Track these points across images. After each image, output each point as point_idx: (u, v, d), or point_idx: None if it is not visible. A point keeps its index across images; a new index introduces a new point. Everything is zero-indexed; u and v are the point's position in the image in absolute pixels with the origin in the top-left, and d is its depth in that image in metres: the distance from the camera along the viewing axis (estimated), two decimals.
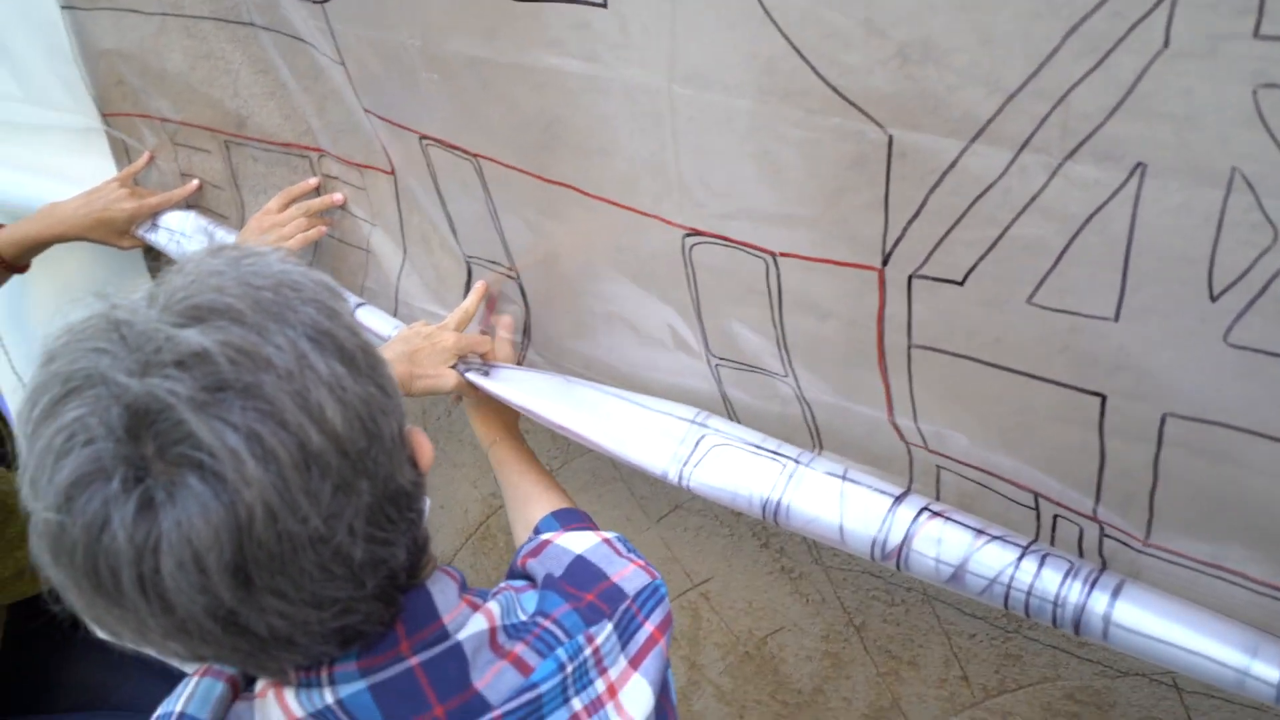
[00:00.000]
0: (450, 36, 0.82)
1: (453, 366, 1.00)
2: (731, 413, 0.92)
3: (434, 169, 0.98)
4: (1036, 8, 0.52)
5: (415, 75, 0.88)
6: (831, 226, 0.68)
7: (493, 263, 1.03)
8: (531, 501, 0.91)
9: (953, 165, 0.59)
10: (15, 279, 1.36)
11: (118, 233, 1.31)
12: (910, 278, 0.66)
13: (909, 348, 0.70)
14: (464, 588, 0.59)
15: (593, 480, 1.17)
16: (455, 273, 1.10)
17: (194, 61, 1.18)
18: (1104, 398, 0.62)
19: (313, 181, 1.19)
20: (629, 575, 0.63)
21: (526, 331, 1.06)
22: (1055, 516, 0.72)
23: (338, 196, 1.18)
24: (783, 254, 0.72)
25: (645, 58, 0.70)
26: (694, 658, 1.20)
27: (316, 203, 1.18)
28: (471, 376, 1.01)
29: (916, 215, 0.63)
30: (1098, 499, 0.66)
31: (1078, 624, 0.71)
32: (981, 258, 0.62)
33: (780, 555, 1.02)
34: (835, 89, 0.61)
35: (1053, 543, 0.73)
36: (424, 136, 0.95)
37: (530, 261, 0.99)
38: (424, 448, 0.56)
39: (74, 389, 0.46)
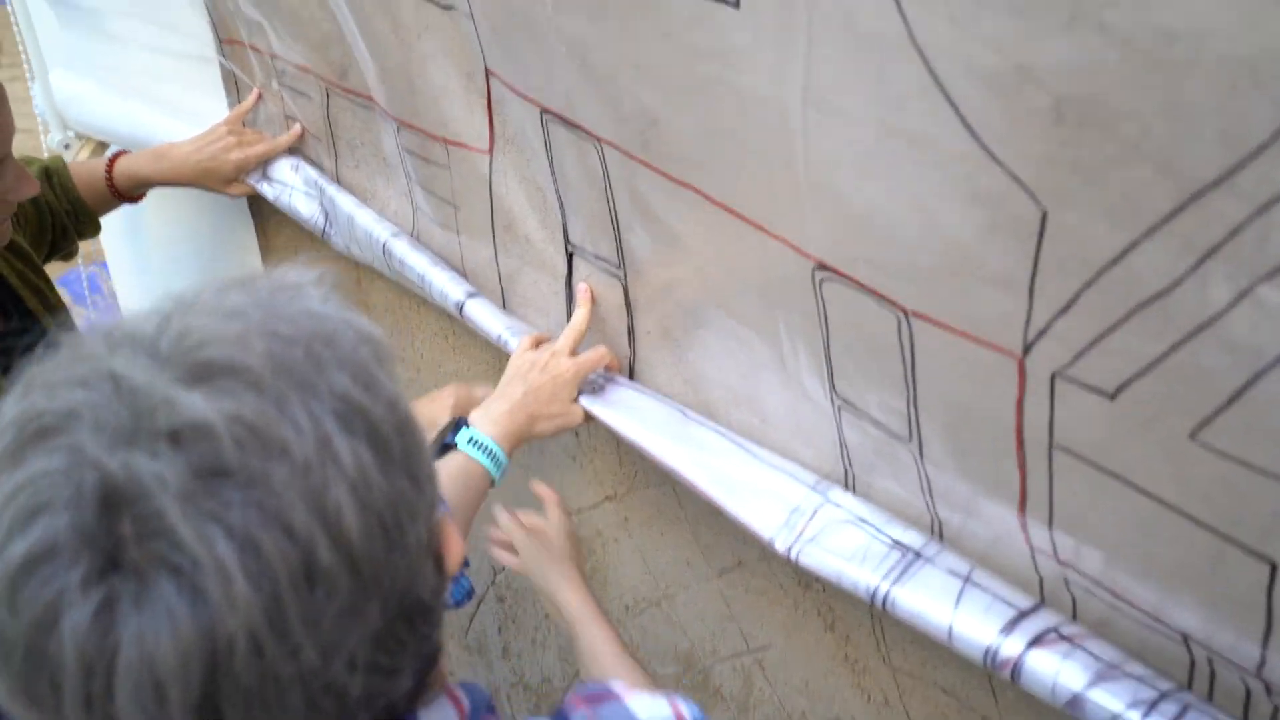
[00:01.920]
0: (576, 8, 0.81)
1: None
2: (848, 461, 0.89)
3: (551, 147, 0.98)
4: (1241, 80, 0.46)
5: (546, 42, 0.87)
6: (967, 297, 0.65)
7: (599, 258, 1.03)
8: (612, 666, 0.88)
9: (1115, 260, 0.54)
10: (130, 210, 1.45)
11: (224, 181, 1.40)
12: (1054, 376, 0.62)
13: (1050, 446, 0.66)
14: (478, 713, 0.53)
15: (656, 516, 1.15)
16: (551, 262, 1.09)
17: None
18: (1275, 566, 0.57)
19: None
20: None
21: (631, 338, 1.05)
22: (1210, 661, 0.67)
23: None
24: (915, 313, 0.69)
25: (777, 70, 0.68)
26: None
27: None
28: (585, 402, 1.02)
29: (1065, 310, 0.59)
30: (1263, 661, 0.62)
31: None
32: (1139, 374, 0.57)
33: (845, 643, 0.97)
34: (981, 142, 0.58)
35: (1211, 696, 0.69)
36: (546, 110, 0.94)
37: (643, 261, 0.98)
38: (453, 546, 0.50)
39: (47, 430, 0.40)
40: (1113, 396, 0.59)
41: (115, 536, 0.38)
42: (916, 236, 0.65)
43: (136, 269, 1.94)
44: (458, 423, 1.01)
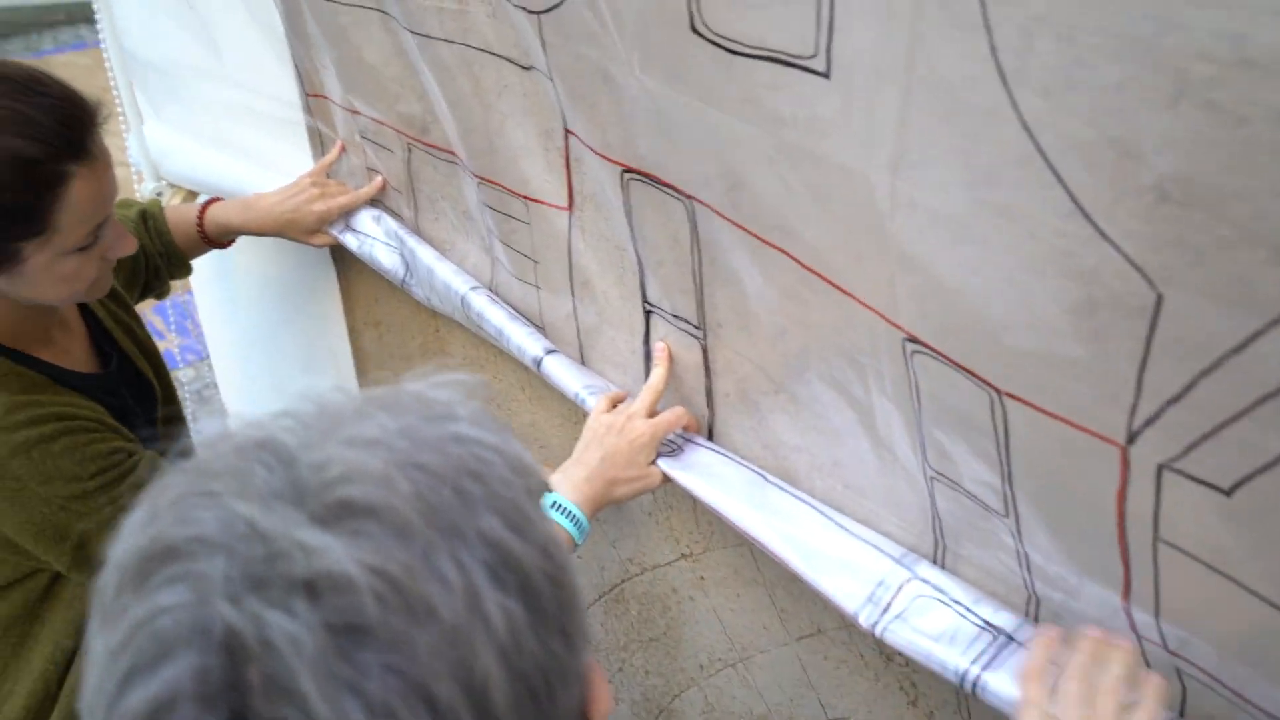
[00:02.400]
0: (659, 69, 0.82)
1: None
2: (939, 533, 0.87)
3: (630, 205, 0.98)
4: None
5: (629, 102, 0.88)
6: (1065, 379, 0.62)
7: (677, 317, 1.02)
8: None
9: (1239, 349, 0.52)
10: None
11: (307, 232, 1.44)
12: (1161, 468, 0.59)
13: (1155, 540, 0.63)
14: None
15: (732, 577, 1.14)
16: (628, 320, 1.08)
17: (388, 58, 1.23)
18: None
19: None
20: None
21: (709, 399, 1.04)
22: None
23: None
24: (1009, 394, 0.67)
25: (866, 141, 0.66)
26: None
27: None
28: (662, 464, 1.02)
29: (1178, 399, 0.56)
30: None
31: None
32: (1260, 471, 0.54)
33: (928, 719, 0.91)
34: (1089, 217, 0.56)
35: None
36: (629, 169, 0.94)
37: (725, 322, 0.96)
38: (601, 699, 0.45)
39: (173, 554, 0.37)
40: (1229, 493, 0.55)
41: (242, 690, 0.34)
42: (1010, 314, 0.63)
43: (223, 312, 2.00)
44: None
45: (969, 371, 0.69)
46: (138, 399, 1.25)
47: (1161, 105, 0.54)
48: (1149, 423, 0.58)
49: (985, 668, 0.78)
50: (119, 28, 1.67)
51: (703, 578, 1.19)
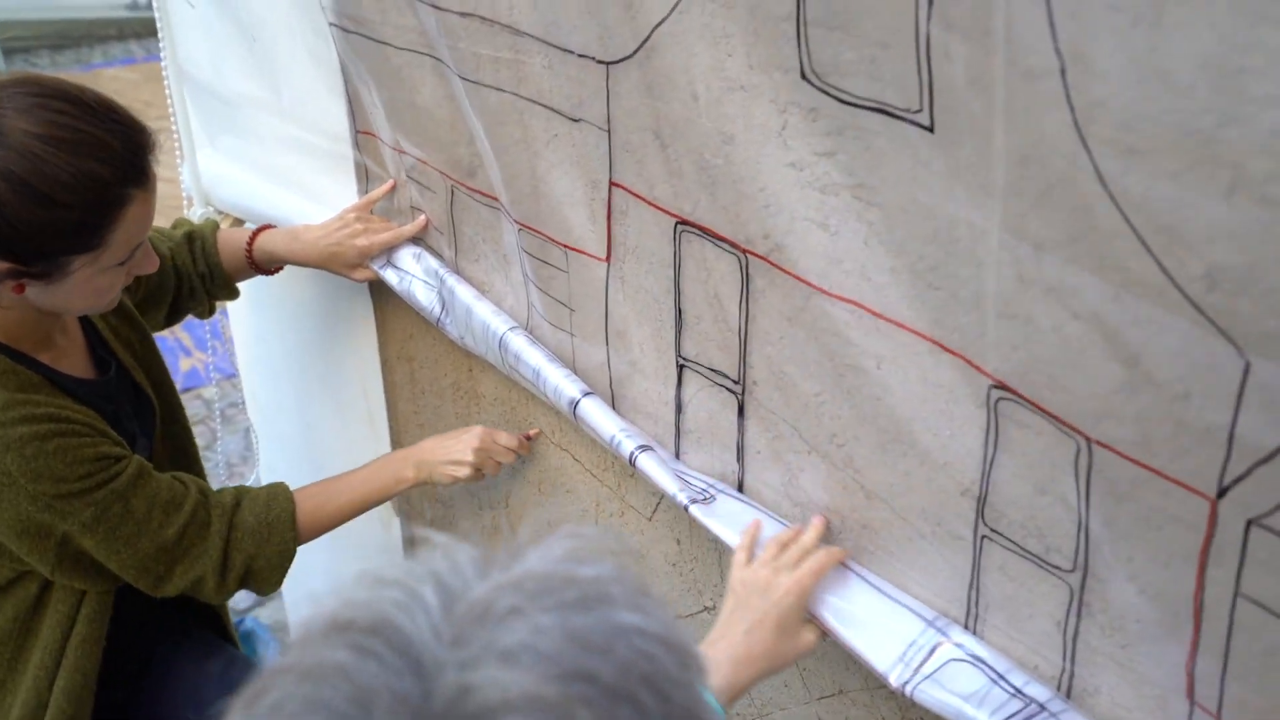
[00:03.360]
0: (729, 118, 0.84)
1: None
2: (974, 600, 0.87)
3: (680, 258, 0.99)
4: None
5: (691, 155, 0.90)
6: (1159, 433, 0.64)
7: (715, 371, 1.02)
8: None
9: None
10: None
11: (349, 266, 1.45)
12: (1249, 523, 0.62)
13: (1235, 594, 0.65)
14: None
15: None
16: (662, 372, 1.09)
17: (439, 101, 1.24)
18: None
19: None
20: None
21: (740, 455, 1.03)
22: None
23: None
24: (1098, 442, 0.69)
25: (971, 193, 0.69)
26: None
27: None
28: (695, 512, 1.01)
29: (1267, 460, 0.59)
30: None
31: None
32: None
33: None
34: (1180, 288, 0.59)
35: None
36: (683, 221, 0.95)
37: (763, 380, 0.96)
38: None
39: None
40: None
41: None
42: (1108, 370, 0.65)
43: (256, 334, 2.02)
44: None
45: (1059, 419, 0.70)
46: (137, 413, 1.28)
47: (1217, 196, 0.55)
48: (1239, 479, 0.60)
49: None
50: (180, 56, 1.71)
51: None
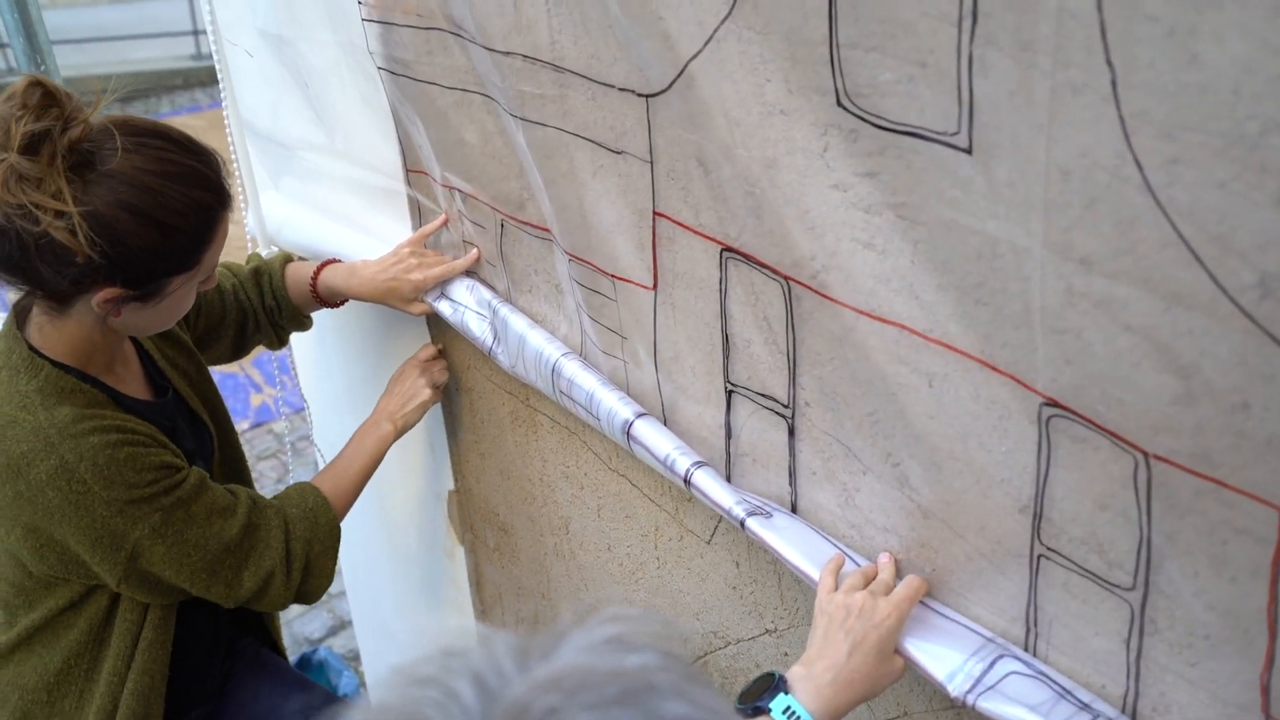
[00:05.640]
0: (762, 146, 0.85)
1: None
2: (1033, 621, 0.85)
3: (726, 284, 0.99)
4: None
5: (735, 181, 0.90)
6: (1219, 445, 0.64)
7: (765, 396, 1.02)
8: None
9: None
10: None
11: (405, 300, 1.50)
12: None
13: None
14: None
15: None
16: (713, 398, 1.09)
17: (488, 137, 1.26)
18: None
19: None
20: None
21: (792, 477, 1.03)
22: None
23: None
24: (1157, 457, 0.68)
25: (1013, 213, 0.69)
26: None
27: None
28: (753, 525, 1.01)
29: None
30: None
31: None
32: None
33: None
34: (1236, 303, 0.59)
35: None
36: (728, 248, 0.96)
37: (814, 402, 0.96)
38: None
39: None
40: None
41: None
42: (1162, 382, 0.64)
43: (319, 370, 2.07)
44: (776, 680, 0.88)
45: (1115, 435, 0.69)
46: (194, 438, 1.35)
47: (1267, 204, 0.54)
48: None
49: None
50: (241, 104, 1.76)
51: (787, 654, 1.17)
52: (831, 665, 0.87)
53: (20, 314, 1.19)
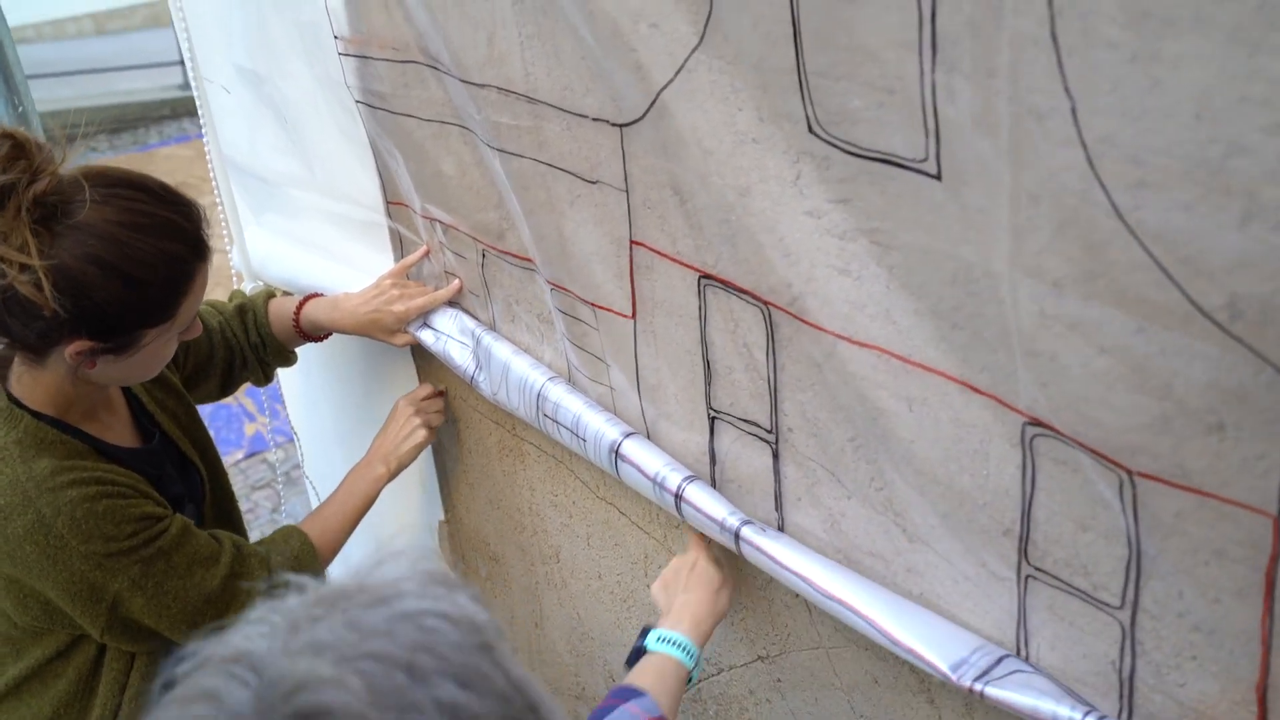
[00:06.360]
0: (754, 179, 0.85)
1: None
2: (1024, 640, 0.85)
3: (706, 312, 0.99)
4: None
5: (710, 210, 0.91)
6: (1209, 455, 0.63)
7: (747, 421, 1.02)
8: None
9: None
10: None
11: (388, 331, 1.50)
12: None
13: None
14: None
15: (809, 680, 1.12)
16: (691, 424, 1.09)
17: (466, 168, 1.26)
18: None
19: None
20: None
21: (778, 502, 1.03)
22: None
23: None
24: (1140, 474, 0.68)
25: (984, 238, 0.69)
26: None
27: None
28: (748, 534, 1.02)
29: None
30: None
31: None
32: None
33: None
34: (1209, 316, 0.58)
35: None
36: (706, 275, 0.96)
37: (797, 427, 0.96)
38: None
39: None
40: None
41: None
42: (1143, 399, 0.64)
43: (307, 401, 2.06)
44: (645, 630, 1.07)
45: (1099, 453, 0.69)
46: (184, 481, 1.33)
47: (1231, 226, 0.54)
48: None
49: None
50: (222, 139, 1.76)
51: (779, 680, 1.16)
52: (681, 606, 1.07)
53: (2, 364, 1.17)
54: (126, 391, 1.30)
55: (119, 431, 1.26)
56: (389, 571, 0.47)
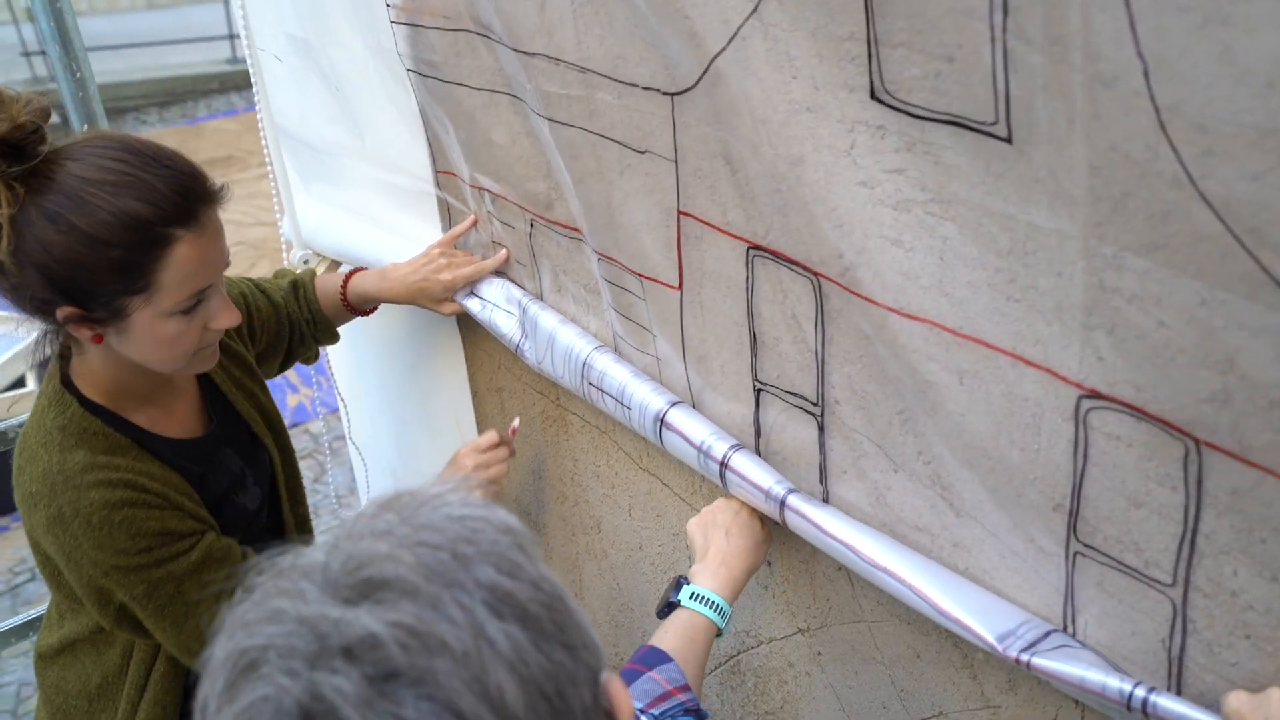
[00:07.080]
0: (807, 148, 0.84)
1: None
2: (1070, 618, 0.85)
3: (754, 283, 0.99)
4: None
5: (762, 180, 0.90)
6: (1268, 437, 0.63)
7: (793, 394, 1.02)
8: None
9: None
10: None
11: (436, 300, 1.50)
12: None
13: None
14: None
15: (850, 654, 1.12)
16: (736, 395, 1.09)
17: (516, 137, 1.27)
18: None
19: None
20: None
21: (823, 475, 1.03)
22: None
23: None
24: (1209, 444, 0.67)
25: (1051, 200, 0.68)
26: None
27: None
28: (794, 502, 1.03)
29: None
30: None
31: None
32: None
33: None
34: (1275, 278, 0.57)
35: None
36: (755, 246, 0.96)
37: (844, 400, 0.96)
38: (621, 704, 0.54)
39: (251, 664, 0.47)
40: None
41: None
42: (1204, 373, 0.64)
43: (355, 372, 2.09)
44: (679, 581, 1.07)
45: (1165, 422, 0.69)
46: (250, 462, 1.30)
47: None
48: None
49: (1153, 692, 0.76)
50: (274, 109, 1.78)
51: (819, 653, 1.16)
52: (718, 552, 1.06)
53: (65, 350, 1.16)
54: (202, 376, 1.27)
55: (179, 419, 1.23)
56: (437, 489, 0.54)
